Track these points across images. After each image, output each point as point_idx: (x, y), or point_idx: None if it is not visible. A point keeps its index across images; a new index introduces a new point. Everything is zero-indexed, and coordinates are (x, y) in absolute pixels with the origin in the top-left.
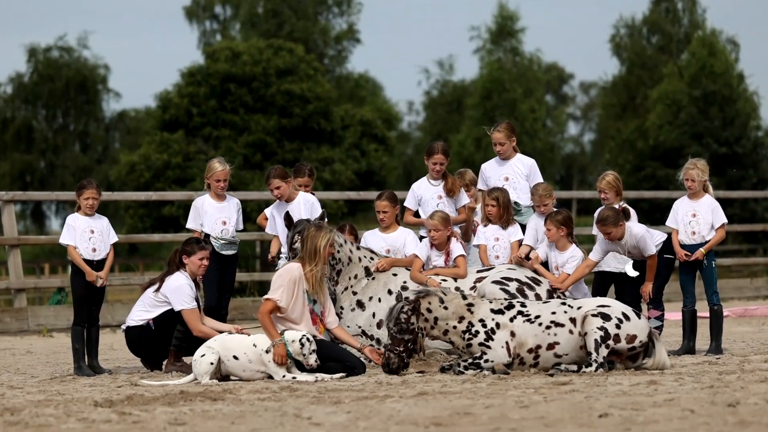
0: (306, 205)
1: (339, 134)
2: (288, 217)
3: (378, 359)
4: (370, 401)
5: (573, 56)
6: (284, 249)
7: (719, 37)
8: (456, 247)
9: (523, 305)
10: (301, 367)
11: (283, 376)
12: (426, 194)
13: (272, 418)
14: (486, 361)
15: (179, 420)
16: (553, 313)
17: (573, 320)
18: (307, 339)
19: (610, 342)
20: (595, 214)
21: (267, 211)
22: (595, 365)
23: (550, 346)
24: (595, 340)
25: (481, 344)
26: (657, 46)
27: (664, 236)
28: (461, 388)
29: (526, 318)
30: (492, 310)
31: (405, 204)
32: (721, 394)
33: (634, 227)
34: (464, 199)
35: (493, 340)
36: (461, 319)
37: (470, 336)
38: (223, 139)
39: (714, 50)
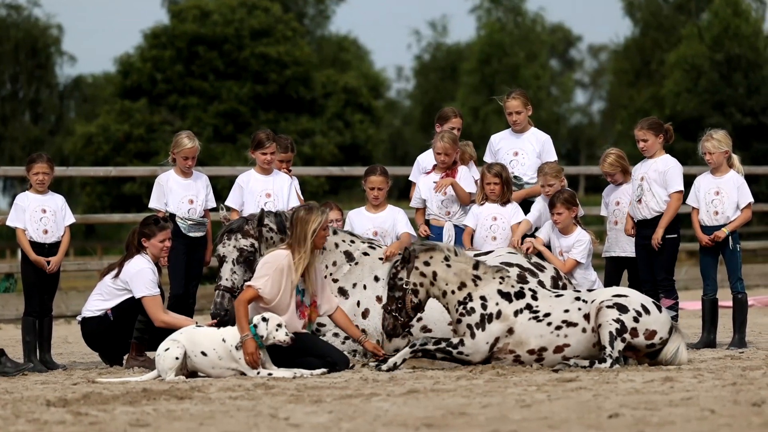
0: (287, 183)
1: (320, 103)
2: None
3: (380, 352)
4: (355, 400)
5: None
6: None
7: None
8: (464, 172)
9: (534, 296)
10: (278, 362)
11: (258, 373)
12: (430, 165)
13: (245, 419)
14: (460, 353)
15: (141, 421)
16: (566, 311)
17: (587, 317)
18: (264, 317)
19: (627, 336)
20: None
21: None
22: (609, 361)
23: (558, 349)
24: (610, 332)
25: (469, 326)
26: (675, 4)
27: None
28: (455, 386)
29: (534, 316)
30: (500, 292)
31: (410, 178)
32: (745, 393)
33: (669, 157)
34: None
35: (483, 330)
36: (462, 286)
37: (464, 311)
38: (191, 108)
39: (739, 9)
